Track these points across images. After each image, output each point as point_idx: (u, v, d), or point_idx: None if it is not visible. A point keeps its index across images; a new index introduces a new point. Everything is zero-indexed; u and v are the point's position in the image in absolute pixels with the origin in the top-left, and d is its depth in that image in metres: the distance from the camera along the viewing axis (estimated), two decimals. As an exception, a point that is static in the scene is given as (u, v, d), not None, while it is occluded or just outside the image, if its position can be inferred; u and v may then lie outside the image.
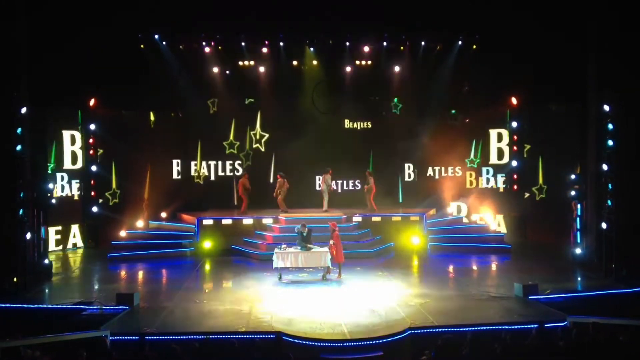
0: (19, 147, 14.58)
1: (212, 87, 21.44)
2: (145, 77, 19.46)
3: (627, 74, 15.17)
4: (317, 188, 21.69)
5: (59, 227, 19.80)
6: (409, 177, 22.68)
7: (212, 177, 22.24)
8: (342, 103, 21.83)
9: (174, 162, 21.92)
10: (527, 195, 21.30)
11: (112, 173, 20.88)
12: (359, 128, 22.31)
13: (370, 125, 22.33)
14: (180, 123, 21.93)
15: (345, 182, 22.50)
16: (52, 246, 18.99)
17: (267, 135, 22.22)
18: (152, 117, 21.54)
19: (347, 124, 22.17)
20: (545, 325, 9.56)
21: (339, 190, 22.18)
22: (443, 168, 22.59)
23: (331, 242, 15.32)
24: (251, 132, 22.20)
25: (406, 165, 22.64)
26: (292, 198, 20.76)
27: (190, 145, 22.05)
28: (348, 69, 21.24)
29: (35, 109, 15.90)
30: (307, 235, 15.65)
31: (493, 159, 22.30)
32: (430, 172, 22.59)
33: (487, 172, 22.37)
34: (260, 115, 22.22)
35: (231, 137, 22.20)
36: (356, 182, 22.38)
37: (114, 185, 21.04)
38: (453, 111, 22.13)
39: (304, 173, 21.91)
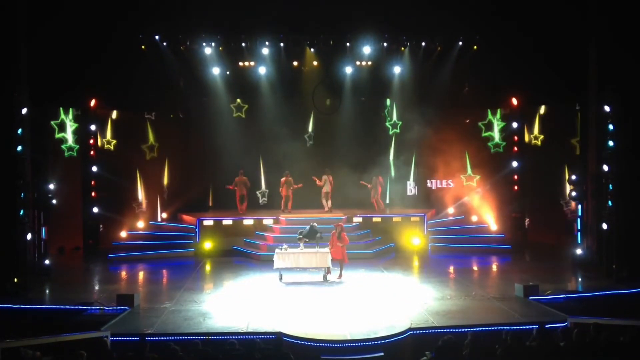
0: (19, 148, 14.59)
1: (212, 87, 21.43)
2: (145, 77, 19.46)
3: (627, 74, 15.17)
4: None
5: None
6: (410, 178, 22.69)
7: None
8: (343, 103, 21.85)
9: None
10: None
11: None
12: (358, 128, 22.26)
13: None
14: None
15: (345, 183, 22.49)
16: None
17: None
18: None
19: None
20: (546, 326, 9.55)
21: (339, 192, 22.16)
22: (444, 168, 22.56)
23: (339, 243, 15.28)
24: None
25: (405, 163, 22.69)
26: (295, 198, 20.80)
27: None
28: (348, 69, 21.23)
29: (36, 110, 15.93)
30: (312, 232, 15.61)
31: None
32: (430, 171, 22.55)
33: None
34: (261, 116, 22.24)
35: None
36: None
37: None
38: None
39: (304, 173, 21.89)
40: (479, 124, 22.15)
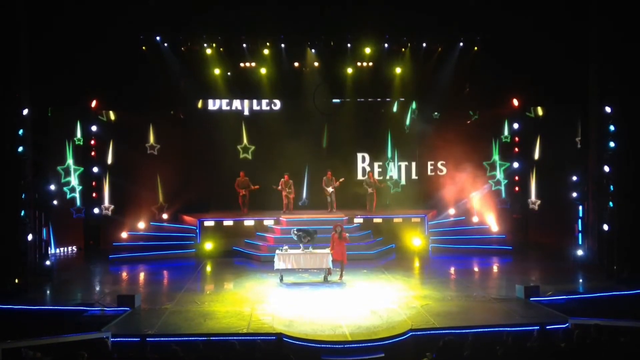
0: (20, 149, 14.60)
1: (213, 88, 21.43)
2: (146, 78, 19.47)
3: (628, 74, 15.16)
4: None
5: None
6: (410, 178, 22.68)
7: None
8: (343, 104, 21.87)
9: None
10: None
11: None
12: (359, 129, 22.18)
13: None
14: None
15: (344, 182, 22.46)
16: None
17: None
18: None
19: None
20: (547, 327, 9.52)
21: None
22: (445, 169, 22.51)
23: (344, 244, 15.27)
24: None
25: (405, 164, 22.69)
26: (295, 199, 20.77)
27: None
28: (349, 70, 21.23)
29: (37, 110, 15.95)
30: (308, 232, 15.64)
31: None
32: (431, 172, 22.53)
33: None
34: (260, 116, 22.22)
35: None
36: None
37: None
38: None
39: (305, 174, 21.92)
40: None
